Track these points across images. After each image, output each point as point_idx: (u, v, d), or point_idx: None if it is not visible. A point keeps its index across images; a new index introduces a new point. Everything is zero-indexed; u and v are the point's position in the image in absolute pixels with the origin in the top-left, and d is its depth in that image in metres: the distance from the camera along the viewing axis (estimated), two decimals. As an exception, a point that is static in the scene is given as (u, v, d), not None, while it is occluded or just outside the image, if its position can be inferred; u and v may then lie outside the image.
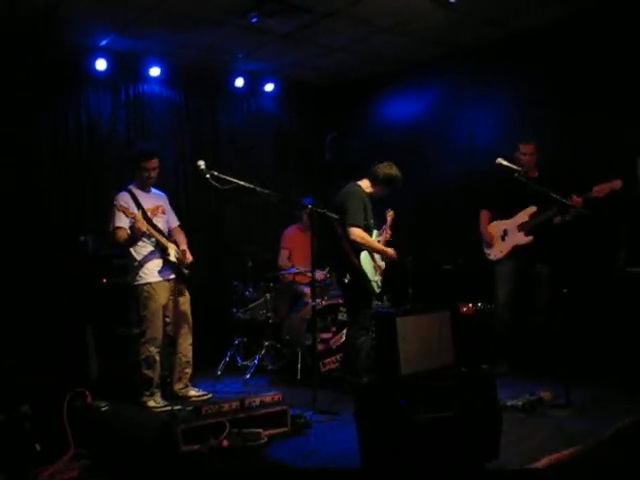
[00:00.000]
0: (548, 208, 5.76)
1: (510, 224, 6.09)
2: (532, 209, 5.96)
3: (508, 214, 6.11)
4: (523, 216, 6.02)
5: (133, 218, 5.30)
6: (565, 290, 5.04)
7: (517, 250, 6.03)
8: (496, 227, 6.20)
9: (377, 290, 5.56)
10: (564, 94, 6.51)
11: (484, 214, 6.29)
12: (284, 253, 7.30)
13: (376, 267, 5.57)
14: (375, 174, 5.62)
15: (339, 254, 5.54)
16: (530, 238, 5.95)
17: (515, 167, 5.19)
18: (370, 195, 5.63)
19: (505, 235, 6.12)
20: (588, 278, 5.99)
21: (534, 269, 6.02)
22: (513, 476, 3.43)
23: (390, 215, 5.84)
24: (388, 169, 5.61)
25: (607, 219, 5.71)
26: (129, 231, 5.38)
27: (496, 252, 6.17)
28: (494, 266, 6.19)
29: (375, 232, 5.65)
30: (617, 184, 5.41)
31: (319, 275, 6.70)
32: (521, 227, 6.01)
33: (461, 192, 7.08)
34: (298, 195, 7.60)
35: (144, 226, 5.32)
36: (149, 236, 5.47)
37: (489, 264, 6.21)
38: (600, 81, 6.25)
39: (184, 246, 5.80)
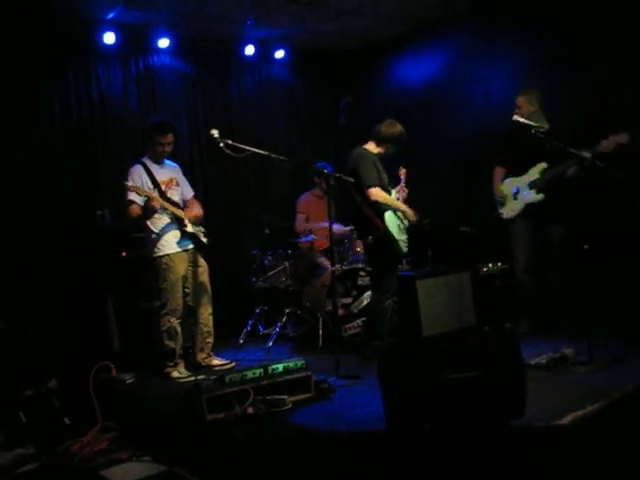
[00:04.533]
0: (559, 163, 5.61)
1: (521, 182, 5.96)
2: (543, 165, 5.81)
3: (521, 171, 6.00)
4: (534, 173, 5.90)
5: (147, 196, 5.32)
6: (586, 246, 4.97)
7: (529, 209, 5.93)
8: (508, 185, 6.08)
9: (405, 249, 5.52)
10: (580, 49, 6.34)
11: (498, 171, 6.19)
12: (300, 217, 7.27)
13: (401, 226, 5.53)
14: (379, 134, 5.57)
15: (361, 220, 5.51)
16: (541, 196, 5.83)
17: (533, 124, 5.12)
18: (378, 155, 5.58)
19: (517, 193, 6.03)
20: (609, 234, 5.90)
21: (546, 230, 5.88)
22: (539, 433, 3.42)
23: (403, 173, 5.77)
24: (391, 127, 5.55)
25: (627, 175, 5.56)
26: (143, 205, 5.40)
27: (508, 211, 6.07)
28: (509, 225, 6.11)
29: (392, 191, 5.60)
30: (622, 138, 5.20)
31: (338, 230, 6.55)
32: (532, 184, 5.90)
33: (478, 152, 6.99)
34: (313, 161, 7.56)
35: (158, 203, 5.34)
36: (165, 209, 5.48)
37: (505, 223, 6.14)
38: (616, 33, 6.08)
39: (194, 212, 5.81)
